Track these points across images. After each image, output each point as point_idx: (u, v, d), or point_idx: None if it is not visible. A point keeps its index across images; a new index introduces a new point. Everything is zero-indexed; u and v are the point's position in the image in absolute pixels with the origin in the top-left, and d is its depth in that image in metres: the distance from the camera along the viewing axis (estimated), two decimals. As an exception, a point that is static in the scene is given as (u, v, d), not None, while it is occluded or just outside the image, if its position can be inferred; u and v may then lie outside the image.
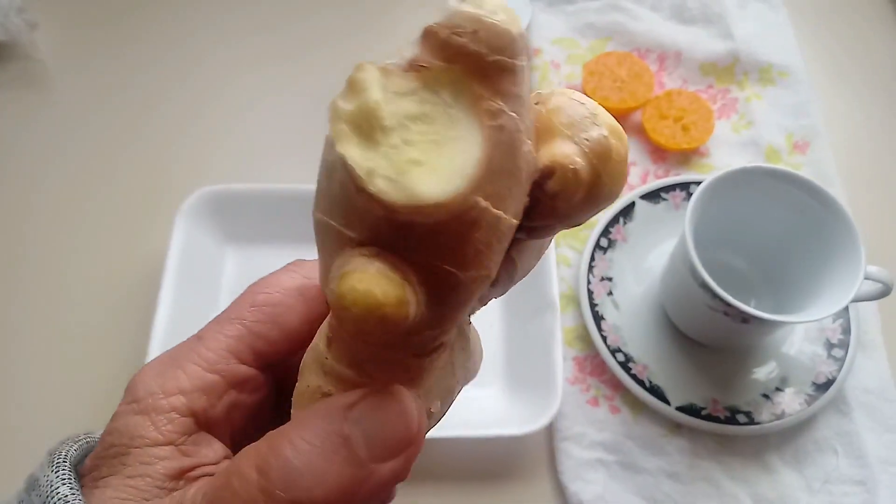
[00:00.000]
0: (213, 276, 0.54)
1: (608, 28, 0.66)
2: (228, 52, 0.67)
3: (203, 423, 0.20)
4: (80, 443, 0.21)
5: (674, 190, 0.57)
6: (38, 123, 0.62)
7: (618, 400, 0.51)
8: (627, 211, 0.56)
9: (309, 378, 0.19)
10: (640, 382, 0.50)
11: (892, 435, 0.50)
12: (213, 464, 0.20)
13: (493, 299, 0.20)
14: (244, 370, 0.21)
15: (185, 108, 0.64)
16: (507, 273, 0.19)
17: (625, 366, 0.50)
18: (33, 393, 0.51)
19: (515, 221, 0.16)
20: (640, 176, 0.59)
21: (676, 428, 0.50)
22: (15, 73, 0.65)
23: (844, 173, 0.60)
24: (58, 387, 0.51)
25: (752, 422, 0.49)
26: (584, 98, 0.18)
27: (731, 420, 0.49)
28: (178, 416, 0.20)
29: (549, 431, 0.50)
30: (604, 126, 0.17)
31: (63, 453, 0.20)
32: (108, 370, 0.51)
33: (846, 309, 0.52)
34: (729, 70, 0.64)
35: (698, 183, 0.50)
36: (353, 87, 0.15)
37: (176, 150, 0.61)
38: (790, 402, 0.49)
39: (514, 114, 0.16)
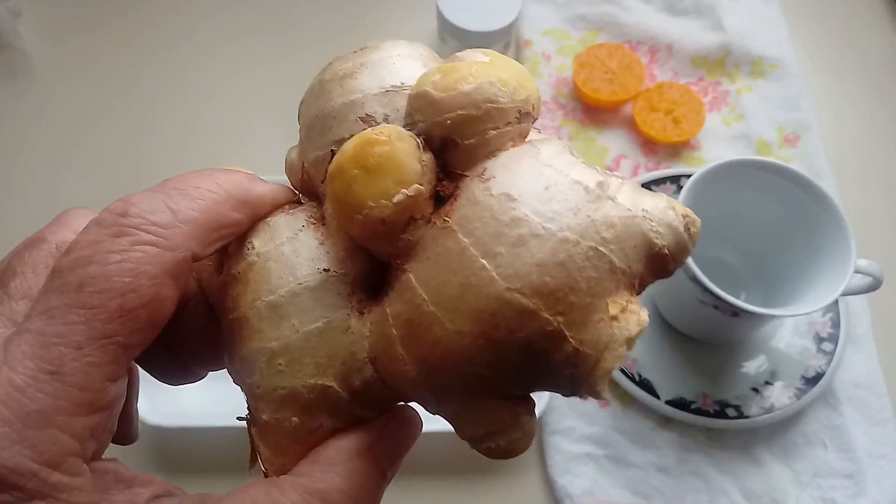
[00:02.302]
0: (200, 268, 0.53)
1: (599, 19, 0.66)
2: (218, 42, 0.66)
3: (93, 456, 0.17)
4: None
5: (664, 183, 0.56)
6: (19, 113, 0.62)
7: (607, 394, 0.51)
8: (618, 204, 0.55)
9: (320, 419, 0.19)
10: (630, 376, 0.50)
11: (880, 428, 0.50)
12: (143, 490, 0.18)
13: None
14: (121, 386, 0.17)
15: (171, 97, 0.63)
16: None
17: (614, 359, 0.50)
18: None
19: None
20: (630, 169, 0.59)
21: (666, 422, 0.50)
22: (-3, 62, 0.64)
23: (835, 167, 0.60)
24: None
25: (741, 416, 0.49)
26: None
27: (720, 414, 0.49)
28: (79, 478, 0.16)
29: (539, 425, 0.50)
30: None
31: None
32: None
33: (836, 303, 0.52)
34: (720, 62, 0.64)
35: (689, 176, 0.50)
36: (631, 342, 0.17)
37: (161, 139, 0.61)
38: (779, 395, 0.49)
39: None
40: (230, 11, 0.67)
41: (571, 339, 0.17)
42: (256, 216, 0.20)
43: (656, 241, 0.18)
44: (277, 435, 0.20)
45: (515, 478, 0.49)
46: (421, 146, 0.18)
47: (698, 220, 0.18)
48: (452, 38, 0.52)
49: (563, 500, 0.47)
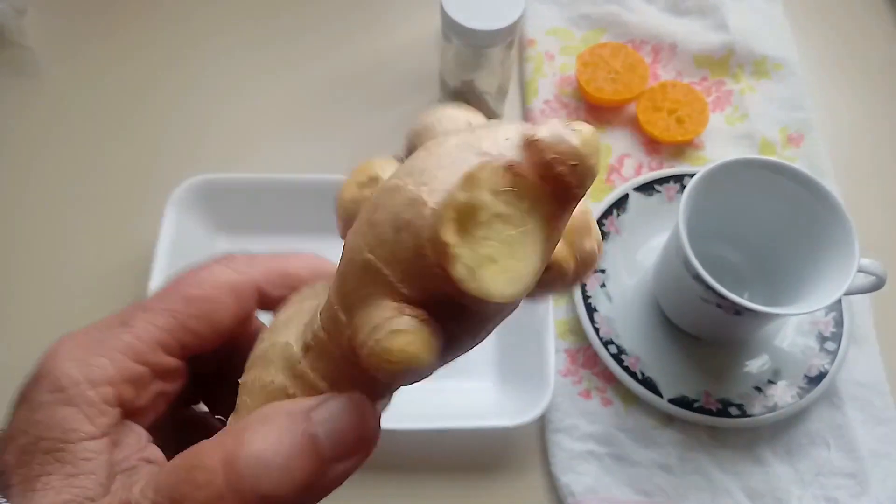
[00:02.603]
0: (204, 266, 0.54)
1: (603, 19, 0.66)
2: (219, 40, 0.66)
3: (128, 413, 0.20)
4: None
5: (667, 182, 0.56)
6: (25, 111, 0.62)
7: (610, 392, 0.51)
8: (621, 203, 0.56)
9: (273, 374, 0.20)
10: (633, 375, 0.50)
11: (883, 428, 0.50)
12: (142, 453, 0.20)
13: None
14: (171, 362, 0.21)
15: (176, 95, 0.63)
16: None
17: (617, 358, 0.50)
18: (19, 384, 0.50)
19: None
20: (633, 168, 0.59)
21: (668, 420, 0.50)
22: (2, 60, 0.64)
23: (838, 167, 0.60)
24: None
25: (744, 414, 0.49)
26: (584, 205, 0.20)
27: (723, 413, 0.49)
28: (108, 407, 0.19)
29: (541, 423, 0.50)
30: (595, 241, 0.20)
31: None
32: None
33: (839, 302, 0.52)
34: (723, 62, 0.64)
35: (692, 175, 0.50)
36: (470, 181, 0.17)
37: (166, 138, 0.61)
38: (782, 394, 0.49)
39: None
40: (235, 11, 0.68)
41: (429, 203, 0.17)
42: (320, 277, 0.24)
43: (526, 132, 0.17)
44: (242, 395, 0.21)
45: (518, 476, 0.49)
46: (395, 159, 0.21)
47: (591, 128, 0.17)
48: (456, 36, 0.52)
49: (566, 498, 0.47)
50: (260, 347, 0.21)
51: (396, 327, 0.17)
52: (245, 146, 0.61)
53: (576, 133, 0.17)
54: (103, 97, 0.63)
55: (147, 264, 0.50)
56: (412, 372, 0.17)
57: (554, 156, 0.17)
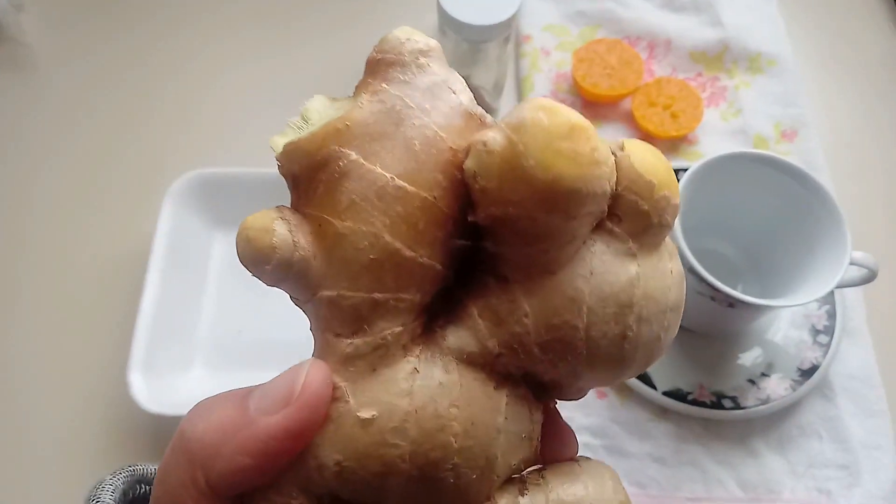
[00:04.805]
0: (201, 259, 0.54)
1: (598, 15, 0.66)
2: (217, 35, 0.66)
3: None
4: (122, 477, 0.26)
5: (662, 177, 0.57)
6: (24, 107, 0.62)
7: (605, 385, 0.51)
8: (616, 197, 0.56)
9: None
10: (628, 367, 0.50)
11: (875, 420, 0.50)
12: None
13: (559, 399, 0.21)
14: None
15: (174, 90, 0.63)
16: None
17: (612, 351, 0.50)
18: (18, 376, 0.51)
19: (424, 194, 0.17)
20: (628, 163, 0.59)
21: (663, 412, 0.50)
22: (0, 56, 0.64)
23: (831, 162, 0.60)
24: (44, 369, 0.51)
25: (737, 407, 0.49)
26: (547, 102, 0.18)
27: (717, 405, 0.49)
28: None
29: (537, 416, 0.50)
30: (530, 104, 0.17)
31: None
32: (94, 353, 0.51)
33: (832, 295, 0.52)
34: (718, 58, 0.65)
35: (686, 170, 0.50)
36: (303, 112, 0.19)
37: (164, 132, 0.61)
38: (775, 387, 0.50)
39: (398, 94, 0.18)
40: (231, 4, 0.68)
41: None
42: None
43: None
44: None
45: (514, 468, 0.49)
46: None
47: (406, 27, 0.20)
48: (453, 31, 0.52)
49: (561, 489, 0.48)
50: None
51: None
52: (243, 140, 0.61)
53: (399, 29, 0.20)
54: (101, 92, 0.63)
55: (144, 258, 0.50)
56: (245, 239, 0.18)
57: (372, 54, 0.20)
